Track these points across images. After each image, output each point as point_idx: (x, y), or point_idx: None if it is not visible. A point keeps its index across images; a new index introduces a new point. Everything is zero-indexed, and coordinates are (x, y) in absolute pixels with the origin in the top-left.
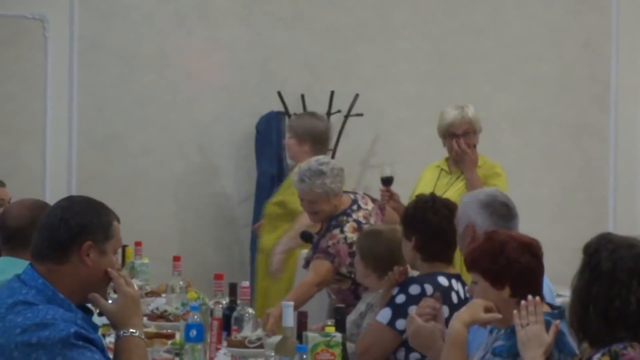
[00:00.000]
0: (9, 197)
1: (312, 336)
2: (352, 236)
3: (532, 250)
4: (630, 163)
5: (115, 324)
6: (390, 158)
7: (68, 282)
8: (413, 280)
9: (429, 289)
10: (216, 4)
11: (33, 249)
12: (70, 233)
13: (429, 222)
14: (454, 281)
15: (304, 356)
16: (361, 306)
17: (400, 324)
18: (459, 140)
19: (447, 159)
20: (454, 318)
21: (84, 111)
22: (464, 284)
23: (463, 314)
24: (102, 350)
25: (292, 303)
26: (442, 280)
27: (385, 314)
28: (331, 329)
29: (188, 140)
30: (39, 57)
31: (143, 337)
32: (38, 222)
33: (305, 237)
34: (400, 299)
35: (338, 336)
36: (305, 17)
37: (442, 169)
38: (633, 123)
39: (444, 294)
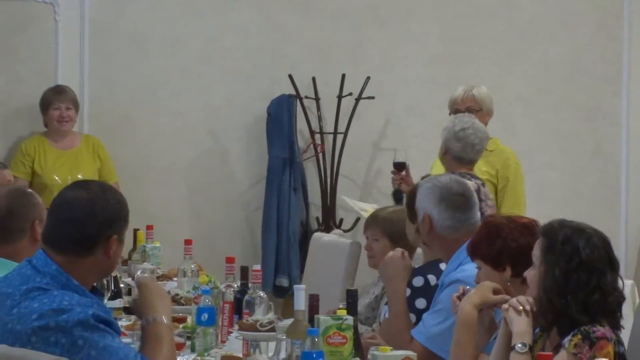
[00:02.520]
0: (7, 179)
1: (323, 319)
2: None
3: (529, 230)
4: None
5: (140, 312)
6: (402, 141)
7: (85, 272)
8: (416, 272)
9: (432, 279)
10: None
11: (51, 239)
12: (99, 229)
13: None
14: None
15: (316, 339)
16: (376, 289)
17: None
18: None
19: None
20: (464, 300)
21: (95, 95)
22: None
23: (473, 296)
24: (119, 334)
25: (303, 286)
26: (444, 267)
27: None
28: (343, 312)
29: (199, 124)
30: (50, 42)
31: (169, 322)
32: (15, 211)
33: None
34: (407, 292)
35: (350, 319)
36: (316, 0)
37: None
38: None
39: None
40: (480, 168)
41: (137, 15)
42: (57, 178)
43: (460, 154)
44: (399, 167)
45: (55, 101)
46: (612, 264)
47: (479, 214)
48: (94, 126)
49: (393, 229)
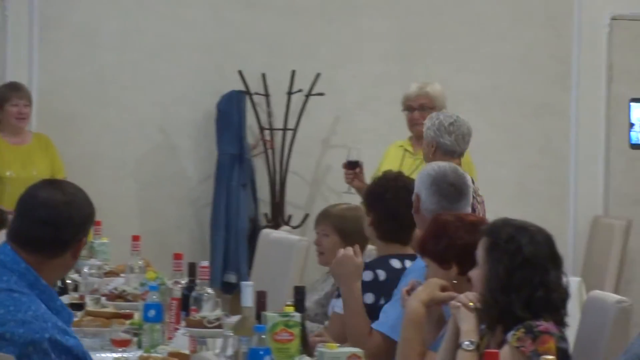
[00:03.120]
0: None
1: (270, 316)
2: None
3: (476, 228)
4: (591, 142)
5: None
6: (351, 138)
7: (52, 272)
8: (365, 267)
9: (381, 274)
10: None
11: (23, 239)
12: (75, 233)
13: (386, 201)
14: (408, 262)
15: (263, 336)
16: (326, 286)
17: None
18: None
19: (410, 138)
20: (411, 297)
21: (44, 90)
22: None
23: (420, 293)
24: (79, 356)
25: (251, 283)
26: (395, 263)
27: (342, 304)
28: (290, 309)
29: (149, 120)
30: None
31: None
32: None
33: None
34: None
35: (297, 316)
36: None
37: (406, 150)
38: (594, 102)
39: (397, 276)
40: None
41: (87, 9)
42: (10, 173)
43: (453, 147)
44: (352, 165)
45: (14, 97)
46: (555, 260)
47: (468, 209)
48: (43, 121)
49: (344, 226)
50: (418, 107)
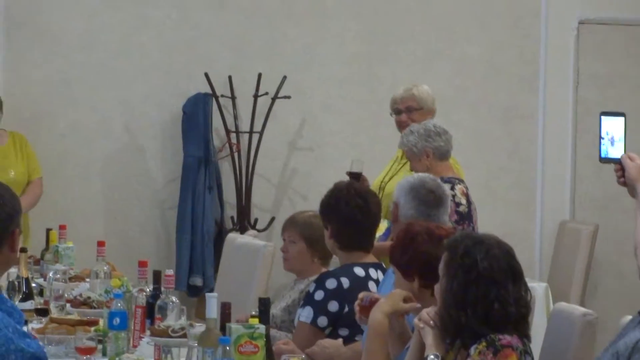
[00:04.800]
0: None
1: (235, 328)
2: (460, 198)
3: (443, 242)
4: (559, 146)
5: None
6: (318, 140)
7: None
8: (329, 275)
9: (345, 281)
10: None
11: None
12: (4, 226)
13: (341, 211)
14: (372, 270)
15: (227, 348)
16: (293, 294)
17: (321, 321)
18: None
19: None
20: (375, 309)
21: (11, 90)
22: (384, 271)
23: (383, 305)
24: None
25: (215, 294)
26: (359, 271)
27: (307, 313)
28: (255, 321)
29: (115, 120)
30: None
31: None
32: None
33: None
34: (319, 295)
35: (262, 328)
36: None
37: (397, 156)
38: (562, 105)
39: (361, 283)
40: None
41: (53, 10)
42: None
43: (447, 147)
44: (355, 177)
45: None
46: (514, 275)
47: (446, 217)
48: (9, 121)
49: (310, 233)
50: (405, 110)
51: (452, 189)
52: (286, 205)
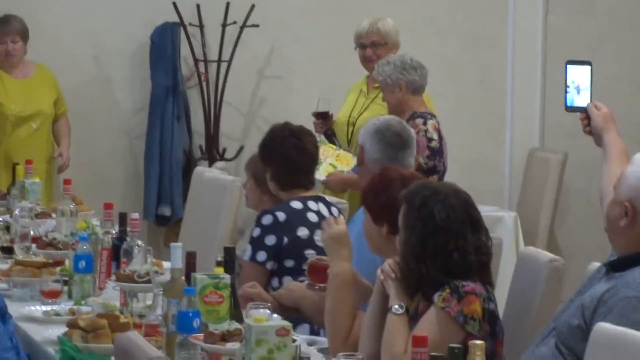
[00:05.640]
0: None
1: (200, 278)
2: (432, 133)
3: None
4: (528, 74)
5: None
6: (286, 69)
7: None
8: (265, 211)
9: (280, 215)
10: None
11: None
12: None
13: (277, 152)
14: (310, 202)
15: (192, 298)
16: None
17: (260, 255)
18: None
19: (367, 77)
20: (336, 259)
21: None
22: (327, 203)
23: (345, 253)
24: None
25: (180, 244)
26: (295, 204)
27: (247, 252)
28: (220, 270)
29: (81, 50)
30: None
31: None
32: None
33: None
34: (257, 232)
35: (227, 278)
36: None
37: (361, 90)
38: (531, 33)
39: (299, 215)
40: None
41: None
42: (15, 107)
43: (421, 82)
44: (322, 116)
45: (0, 35)
46: (473, 223)
47: (412, 160)
48: None
49: (256, 170)
50: (370, 45)
51: (425, 123)
52: (255, 134)
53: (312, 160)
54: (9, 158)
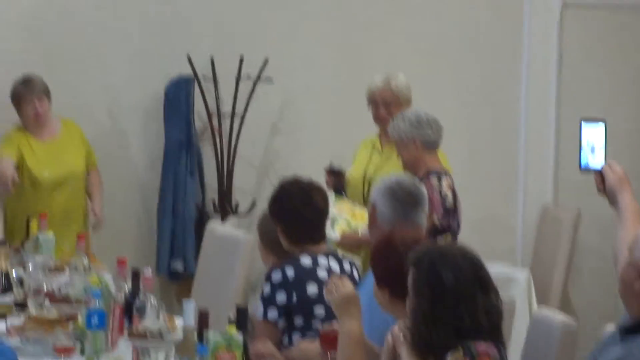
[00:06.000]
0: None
1: (212, 337)
2: (447, 192)
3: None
4: (541, 131)
5: None
6: (299, 123)
7: None
8: (275, 268)
9: (290, 272)
10: None
11: None
12: None
13: (286, 207)
14: (321, 258)
15: (205, 357)
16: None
17: (272, 313)
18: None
19: (379, 135)
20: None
21: None
22: (338, 258)
23: (356, 313)
24: None
25: (192, 301)
26: (305, 260)
27: (259, 310)
28: (232, 329)
29: (96, 103)
30: None
31: None
32: None
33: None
34: (267, 289)
35: (239, 337)
36: None
37: (374, 146)
38: (544, 91)
39: (308, 272)
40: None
41: None
42: (47, 174)
43: (435, 138)
44: (334, 173)
45: (27, 95)
46: (482, 283)
47: (424, 218)
48: None
49: (262, 229)
50: (382, 103)
51: (439, 182)
52: (268, 189)
53: (322, 215)
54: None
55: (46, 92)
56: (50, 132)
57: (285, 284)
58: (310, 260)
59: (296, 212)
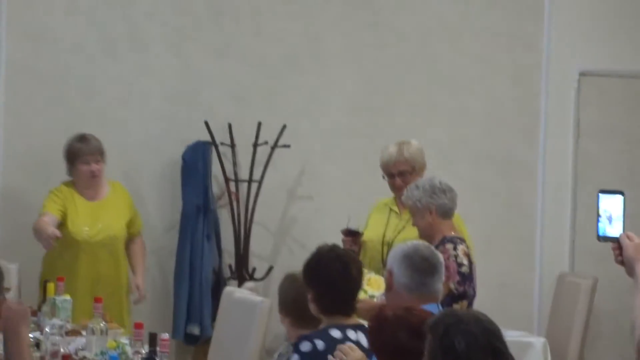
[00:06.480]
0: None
1: None
2: (462, 258)
3: (414, 331)
4: (558, 199)
5: None
6: (317, 189)
7: None
8: (304, 338)
9: (320, 344)
10: (146, 31)
11: None
12: None
13: (321, 275)
14: (350, 332)
15: None
16: (281, 348)
17: None
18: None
19: (394, 198)
20: None
21: (11, 137)
22: (366, 332)
23: None
24: None
25: None
26: (335, 333)
27: None
28: None
29: (114, 167)
30: None
31: None
32: None
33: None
34: (294, 359)
35: None
36: (234, 46)
37: (391, 209)
38: (562, 157)
39: (337, 345)
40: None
41: (54, 56)
42: (87, 230)
43: (451, 205)
44: (352, 234)
45: (83, 154)
46: (495, 351)
47: (440, 285)
48: (10, 167)
49: (281, 295)
50: (397, 174)
51: (455, 249)
52: (285, 254)
53: (357, 288)
54: (83, 283)
55: (101, 153)
56: (98, 193)
57: (314, 356)
58: (340, 333)
59: (332, 283)
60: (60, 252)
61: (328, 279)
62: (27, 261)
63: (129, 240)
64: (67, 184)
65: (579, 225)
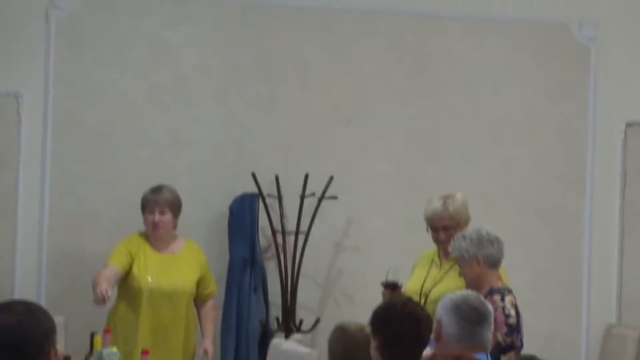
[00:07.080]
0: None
1: None
2: (510, 309)
3: None
4: (605, 248)
5: None
6: (364, 241)
7: None
8: None
9: None
10: (192, 83)
11: None
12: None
13: (392, 326)
14: None
15: None
16: None
17: None
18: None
19: (438, 250)
20: None
21: (58, 189)
22: None
23: None
24: None
25: None
26: None
27: None
28: None
29: None
30: (13, 134)
31: None
32: None
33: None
34: None
35: None
36: (281, 98)
37: (433, 260)
38: (609, 207)
39: None
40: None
41: (101, 108)
42: (151, 281)
43: (498, 255)
44: (391, 286)
45: (150, 204)
46: None
47: (489, 335)
48: (55, 220)
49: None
50: (442, 228)
51: (502, 300)
52: (332, 306)
53: (424, 344)
54: (143, 333)
55: (171, 206)
56: (168, 246)
57: None
58: None
59: (400, 337)
60: (124, 301)
61: (398, 333)
62: (73, 314)
63: (202, 302)
64: (141, 233)
65: (626, 275)
